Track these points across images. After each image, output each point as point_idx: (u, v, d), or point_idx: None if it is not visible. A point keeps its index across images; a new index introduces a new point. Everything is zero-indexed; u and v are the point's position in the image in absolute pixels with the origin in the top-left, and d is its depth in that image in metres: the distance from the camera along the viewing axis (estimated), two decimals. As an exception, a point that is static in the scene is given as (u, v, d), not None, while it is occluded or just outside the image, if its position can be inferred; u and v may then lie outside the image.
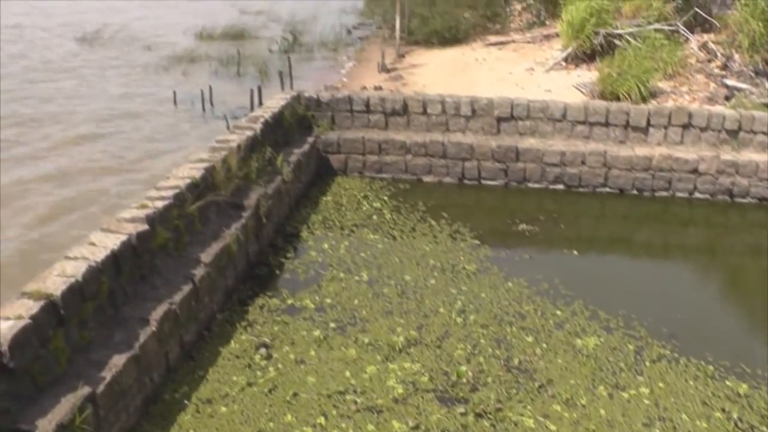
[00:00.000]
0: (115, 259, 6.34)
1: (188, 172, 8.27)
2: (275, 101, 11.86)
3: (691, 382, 6.85)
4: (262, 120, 10.59)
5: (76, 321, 5.78)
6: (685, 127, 11.75)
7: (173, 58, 24.02)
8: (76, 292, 5.73)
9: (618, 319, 7.94)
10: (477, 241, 9.85)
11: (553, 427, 6.17)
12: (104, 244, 6.40)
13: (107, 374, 5.62)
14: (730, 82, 15.12)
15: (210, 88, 18.38)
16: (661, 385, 6.79)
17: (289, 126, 11.62)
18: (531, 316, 7.97)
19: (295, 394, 6.51)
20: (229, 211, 8.67)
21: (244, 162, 9.36)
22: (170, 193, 7.59)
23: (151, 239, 6.99)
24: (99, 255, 6.18)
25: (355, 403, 6.40)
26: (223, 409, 6.31)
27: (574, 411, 6.39)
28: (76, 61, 24.27)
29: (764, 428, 6.23)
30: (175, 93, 18.69)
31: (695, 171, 11.40)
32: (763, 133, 11.50)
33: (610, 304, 8.20)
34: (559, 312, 8.07)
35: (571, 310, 8.10)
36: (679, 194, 11.58)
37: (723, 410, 6.45)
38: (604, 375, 6.94)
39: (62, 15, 35.43)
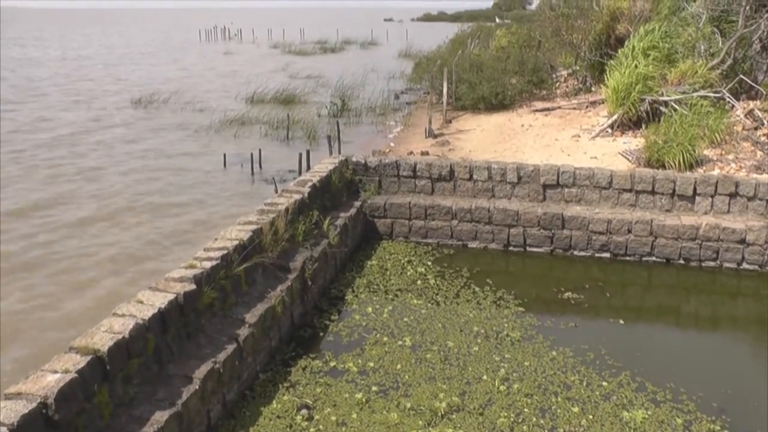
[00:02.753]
0: (162, 317, 6.47)
1: (236, 233, 8.42)
2: (323, 165, 12.07)
3: (742, 460, 6.66)
4: (310, 184, 10.77)
5: (121, 377, 5.87)
6: (732, 196, 11.62)
7: (225, 122, 24.63)
8: (122, 348, 5.85)
9: (666, 391, 7.77)
10: (521, 309, 9.79)
11: (597, 502, 6.02)
12: (152, 302, 6.53)
13: (149, 430, 5.69)
14: (777, 150, 14.97)
15: (260, 152, 18.77)
16: (709, 464, 6.60)
17: (336, 190, 11.79)
18: (576, 387, 7.84)
19: (335, 458, 6.47)
20: (275, 273, 8.78)
21: (292, 225, 9.51)
22: (218, 254, 7.74)
23: (198, 299, 7.11)
24: (146, 313, 6.31)
25: (396, 469, 6.34)
26: (264, 470, 6.30)
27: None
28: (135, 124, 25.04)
29: None
30: (225, 155, 19.12)
31: (743, 241, 11.22)
32: (812, 201, 11.34)
33: (657, 376, 8.04)
34: (605, 383, 7.93)
35: (618, 382, 7.96)
36: (726, 264, 11.38)
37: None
38: (651, 454, 6.77)
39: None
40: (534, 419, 7.18)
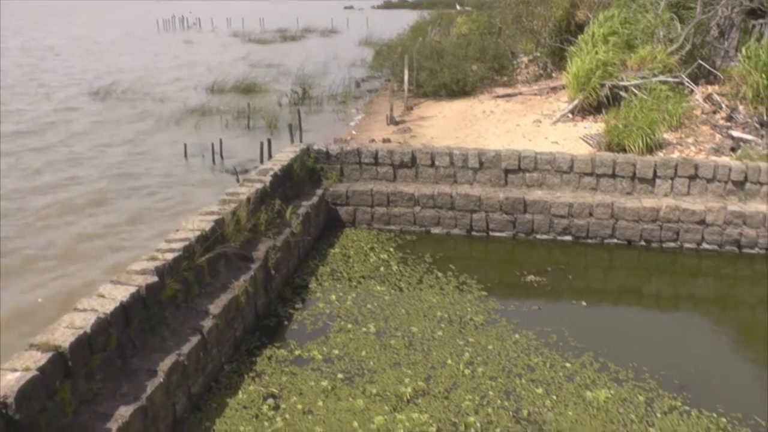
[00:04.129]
0: (124, 311, 6.40)
1: (198, 224, 8.35)
2: (285, 154, 12.01)
3: (702, 435, 6.79)
4: (271, 173, 10.72)
5: (84, 373, 5.80)
6: (692, 178, 11.81)
7: (185, 112, 24.37)
8: (84, 344, 5.78)
9: (628, 370, 7.89)
10: (485, 293, 9.86)
11: (562, 482, 6.11)
12: (113, 296, 6.46)
13: (113, 426, 5.62)
14: (736, 133, 15.21)
15: (220, 141, 18.61)
16: (671, 437, 6.73)
17: (298, 179, 11.75)
18: (540, 368, 7.93)
19: (302, 446, 6.48)
20: (238, 263, 8.73)
21: (254, 214, 9.45)
22: (180, 245, 7.67)
23: (161, 291, 7.05)
24: (108, 307, 6.23)
25: (363, 455, 6.36)
26: (230, 461, 6.28)
27: (583, 464, 6.33)
28: (91, 115, 24.65)
29: (777, 482, 6.16)
30: (185, 146, 18.92)
31: (703, 222, 11.41)
32: (770, 183, 11.56)
33: (619, 356, 8.16)
34: (568, 364, 8.03)
35: (581, 362, 8.06)
36: (687, 245, 11.58)
37: (735, 464, 6.38)
38: (615, 427, 6.88)
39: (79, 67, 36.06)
40: (498, 401, 7.25)
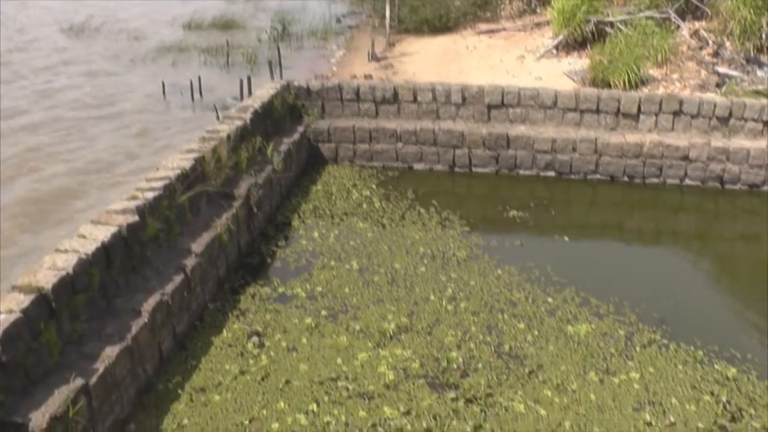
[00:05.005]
0: (105, 251, 6.35)
1: (178, 162, 8.26)
2: (265, 91, 11.84)
3: (681, 367, 6.91)
4: (251, 110, 10.58)
5: (68, 314, 5.78)
6: (676, 114, 11.78)
7: (162, 49, 23.89)
8: (67, 284, 5.74)
9: (609, 305, 7.99)
10: (467, 229, 9.88)
11: (543, 412, 6.21)
12: (94, 236, 6.40)
13: (100, 366, 5.64)
14: (722, 69, 15.14)
15: (199, 79, 18.30)
16: (651, 369, 6.84)
17: (279, 115, 11.61)
18: (522, 303, 8.00)
19: (287, 382, 6.54)
20: (219, 202, 8.67)
21: (234, 152, 9.36)
22: (160, 183, 7.59)
23: (142, 230, 7.00)
24: (89, 247, 6.18)
25: (347, 389, 6.43)
26: (217, 397, 6.33)
27: (564, 396, 6.44)
28: (65, 53, 24.12)
29: (752, 411, 6.29)
30: (163, 83, 18.61)
31: (686, 158, 11.43)
32: (754, 120, 11.54)
33: (601, 291, 8.25)
34: (550, 299, 8.11)
35: (563, 297, 8.14)
36: (670, 181, 11.61)
37: (712, 393, 6.51)
38: (595, 360, 6.99)
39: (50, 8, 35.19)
40: (481, 336, 7.33)
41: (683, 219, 11.05)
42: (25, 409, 4.98)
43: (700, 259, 9.65)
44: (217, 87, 18.78)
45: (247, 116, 10.29)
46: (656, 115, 11.81)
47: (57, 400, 5.10)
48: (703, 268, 9.41)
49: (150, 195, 7.30)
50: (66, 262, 5.87)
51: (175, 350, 6.95)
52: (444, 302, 7.95)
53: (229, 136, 9.35)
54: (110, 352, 5.81)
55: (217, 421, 6.06)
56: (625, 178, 11.70)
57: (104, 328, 6.07)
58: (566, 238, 9.81)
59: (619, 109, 11.85)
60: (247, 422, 6.04)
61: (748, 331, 7.69)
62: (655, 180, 11.65)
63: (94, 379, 5.49)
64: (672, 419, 6.13)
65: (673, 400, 6.40)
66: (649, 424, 6.09)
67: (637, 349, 7.19)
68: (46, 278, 5.61)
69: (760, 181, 11.35)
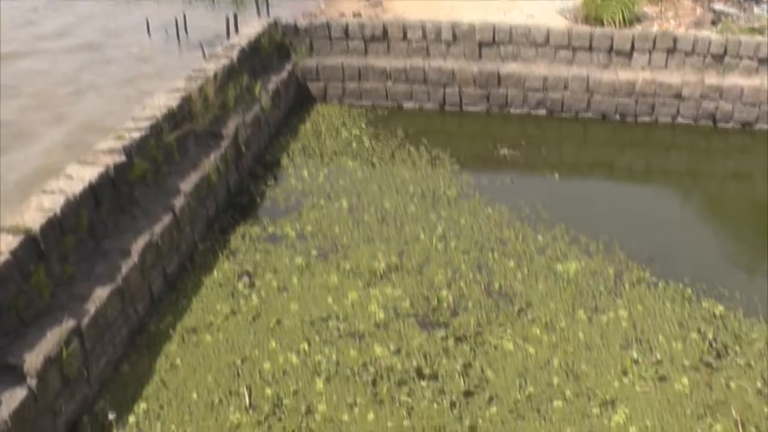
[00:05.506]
0: (93, 191, 6.29)
1: (164, 101, 8.13)
2: (252, 28, 11.62)
3: (669, 305, 6.97)
4: (238, 48, 10.39)
5: (57, 255, 5.75)
6: (670, 51, 11.62)
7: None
8: (55, 225, 5.70)
9: (599, 243, 8.01)
10: (458, 167, 9.84)
11: (532, 350, 6.28)
12: (81, 176, 6.33)
13: (91, 307, 5.64)
14: (718, 6, 14.90)
15: (184, 16, 17.94)
16: (639, 307, 6.91)
17: (266, 54, 11.42)
18: (512, 242, 8.02)
19: (278, 322, 6.58)
20: (207, 141, 8.58)
21: (222, 91, 9.22)
22: (146, 123, 7.48)
23: (129, 170, 6.92)
24: (76, 188, 6.12)
25: (338, 329, 6.48)
26: (208, 337, 6.37)
27: (553, 334, 6.50)
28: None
29: (737, 348, 6.37)
30: (148, 21, 18.24)
31: (679, 96, 11.34)
32: (749, 57, 11.40)
33: (591, 229, 8.26)
34: (540, 237, 8.13)
35: (552, 235, 8.16)
36: (662, 119, 11.54)
37: (699, 331, 6.58)
38: (584, 299, 7.04)
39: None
40: (471, 275, 7.36)
41: (674, 157, 11.03)
42: (18, 351, 4.98)
43: (690, 198, 9.67)
44: (202, 25, 18.41)
45: (234, 55, 10.11)
46: (650, 52, 11.67)
47: (50, 341, 5.11)
48: (694, 207, 9.43)
49: (136, 135, 7.21)
50: (53, 203, 5.81)
51: (165, 291, 6.96)
52: (434, 241, 7.96)
53: (215, 75, 9.20)
54: (101, 293, 5.81)
55: (209, 361, 6.11)
56: (617, 117, 11.62)
57: (94, 270, 6.05)
58: (557, 177, 9.79)
59: (612, 47, 11.69)
60: (239, 362, 6.09)
61: (736, 269, 7.76)
62: (646, 118, 11.58)
63: (86, 321, 5.49)
64: (659, 357, 6.21)
65: (660, 338, 6.47)
66: (636, 361, 6.17)
67: (626, 287, 7.24)
68: (33, 219, 5.56)
69: (753, 119, 11.30)
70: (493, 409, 5.63)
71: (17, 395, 4.73)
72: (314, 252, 7.71)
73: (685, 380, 5.96)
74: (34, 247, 5.44)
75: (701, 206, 9.44)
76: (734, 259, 8.01)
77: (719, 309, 6.87)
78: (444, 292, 6.99)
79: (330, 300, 6.89)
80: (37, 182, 7.24)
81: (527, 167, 10.09)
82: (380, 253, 7.69)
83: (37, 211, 5.69)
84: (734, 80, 11.31)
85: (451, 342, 6.33)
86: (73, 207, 5.97)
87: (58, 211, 5.75)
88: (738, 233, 8.60)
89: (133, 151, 7.02)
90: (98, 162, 6.61)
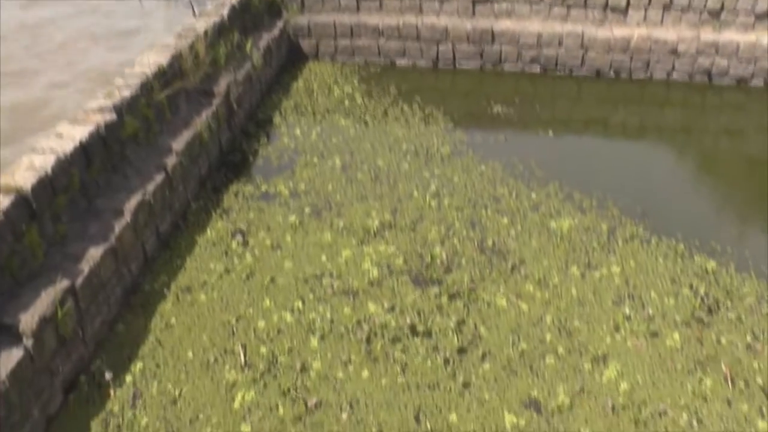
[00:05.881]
0: (84, 150, 6.25)
1: (154, 59, 8.04)
2: (242, -16, 11.44)
3: (661, 260, 7.00)
4: (228, 5, 10.23)
5: (49, 215, 5.74)
6: (666, 7, 11.49)
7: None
8: (46, 185, 5.67)
9: (592, 199, 8.02)
10: (451, 125, 9.80)
11: (525, 307, 6.32)
12: (72, 135, 6.28)
13: (85, 267, 5.63)
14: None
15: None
16: (632, 263, 6.94)
17: (257, 11, 11.26)
18: (505, 199, 8.02)
19: (272, 280, 6.59)
20: (199, 99, 8.50)
21: (212, 48, 9.11)
22: (137, 81, 7.41)
23: (120, 129, 6.87)
24: (67, 147, 6.07)
25: (332, 286, 6.50)
26: (203, 296, 6.39)
27: (546, 290, 6.54)
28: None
29: (729, 302, 6.42)
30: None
31: (674, 52, 11.25)
32: (746, 13, 11.29)
33: (584, 185, 8.27)
34: (533, 194, 8.13)
35: (546, 192, 8.16)
36: (656, 76, 11.47)
37: (691, 287, 6.62)
38: (577, 255, 7.07)
39: None
40: (464, 232, 7.37)
41: (669, 114, 10.98)
42: (13, 311, 4.98)
43: (684, 154, 9.65)
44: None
45: (225, 12, 9.97)
46: (645, 9, 11.53)
47: (44, 301, 5.12)
48: (688, 163, 9.42)
49: (127, 93, 7.14)
50: (44, 162, 5.77)
51: (159, 250, 6.96)
52: (427, 198, 7.95)
53: (206, 32, 9.09)
54: (94, 252, 5.80)
55: (204, 320, 6.13)
56: (612, 74, 11.55)
57: (87, 229, 6.03)
58: (551, 133, 9.76)
59: (607, 4, 11.54)
60: (233, 321, 6.12)
61: (729, 224, 7.78)
62: (641, 75, 11.51)
63: (80, 280, 5.49)
64: (651, 312, 6.26)
65: (653, 294, 6.51)
66: (628, 317, 6.22)
67: (619, 243, 7.27)
68: (24, 179, 5.52)
69: (748, 75, 11.24)
70: (486, 366, 5.68)
71: (14, 355, 4.75)
72: (307, 210, 7.70)
73: (676, 336, 6.02)
74: (26, 207, 5.42)
75: (695, 162, 9.42)
76: (727, 214, 8.03)
77: (711, 264, 6.91)
78: (437, 249, 7.00)
79: (324, 258, 6.90)
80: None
81: (521, 124, 10.05)
82: (374, 210, 7.69)
83: (27, 171, 5.65)
84: (730, 36, 11.21)
85: (444, 299, 6.36)
86: (65, 166, 5.93)
87: (49, 170, 5.71)
88: (731, 189, 8.60)
89: (124, 109, 6.96)
90: (89, 120, 6.56)
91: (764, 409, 5.36)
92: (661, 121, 10.69)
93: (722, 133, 10.30)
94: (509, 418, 5.21)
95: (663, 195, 8.25)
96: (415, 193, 8.06)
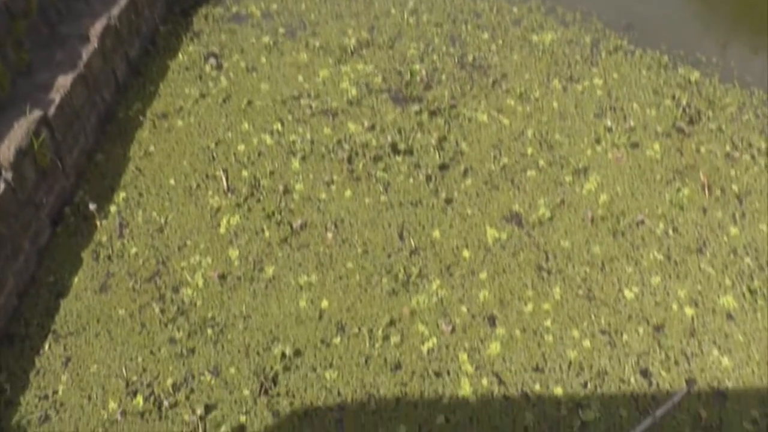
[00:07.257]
0: (40, -29, 5.90)
1: None
2: None
3: (645, 72, 6.90)
4: None
5: (10, 41, 5.49)
6: None
7: None
8: (1, 9, 5.38)
9: (576, 13, 7.79)
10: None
11: (506, 121, 6.28)
12: (26, -45, 5.90)
13: (56, 96, 5.47)
14: None
15: None
16: (615, 75, 6.84)
17: None
18: (486, 14, 7.77)
19: (249, 102, 6.47)
20: None
21: None
22: None
23: (78, -52, 6.46)
24: (22, -32, 5.72)
25: (310, 107, 6.40)
26: (180, 122, 6.27)
27: (527, 104, 6.47)
28: None
29: (710, 113, 6.40)
30: None
31: None
32: None
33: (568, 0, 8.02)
34: (515, 9, 7.87)
35: (528, 7, 7.90)
36: None
37: (673, 97, 6.57)
38: (559, 68, 6.95)
39: None
40: (444, 48, 7.19)
41: None
42: (-15, 144, 4.88)
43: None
44: None
45: None
46: None
47: (18, 133, 5.00)
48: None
49: None
50: (-1, -14, 5.46)
51: (131, 77, 6.76)
52: (405, 15, 7.69)
53: None
54: (63, 81, 5.61)
55: (183, 145, 6.06)
56: None
57: (53, 57, 5.81)
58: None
59: None
60: (213, 145, 6.05)
61: (715, 35, 7.62)
62: None
63: (52, 110, 5.35)
64: (632, 124, 6.23)
65: (635, 105, 6.47)
66: (610, 129, 6.20)
67: (603, 55, 7.13)
68: (-21, 4, 5.25)
69: None
70: (468, 181, 5.71)
71: (-6, 188, 4.70)
72: (281, 30, 7.44)
73: (656, 146, 6.04)
74: (-15, 35, 5.18)
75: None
76: (713, 26, 7.84)
77: (695, 75, 6.83)
78: (417, 66, 6.84)
79: (301, 78, 6.74)
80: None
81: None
82: (350, 29, 7.44)
83: (-18, -3, 5.35)
84: None
85: (425, 116, 6.29)
86: (22, -11, 5.62)
87: (4, -7, 5.41)
88: (719, 0, 8.38)
89: (80, -74, 6.52)
90: (43, -61, 6.14)
91: (737, 216, 5.48)
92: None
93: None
94: (491, 232, 5.31)
95: (649, 7, 8.00)
96: (393, 10, 7.77)
